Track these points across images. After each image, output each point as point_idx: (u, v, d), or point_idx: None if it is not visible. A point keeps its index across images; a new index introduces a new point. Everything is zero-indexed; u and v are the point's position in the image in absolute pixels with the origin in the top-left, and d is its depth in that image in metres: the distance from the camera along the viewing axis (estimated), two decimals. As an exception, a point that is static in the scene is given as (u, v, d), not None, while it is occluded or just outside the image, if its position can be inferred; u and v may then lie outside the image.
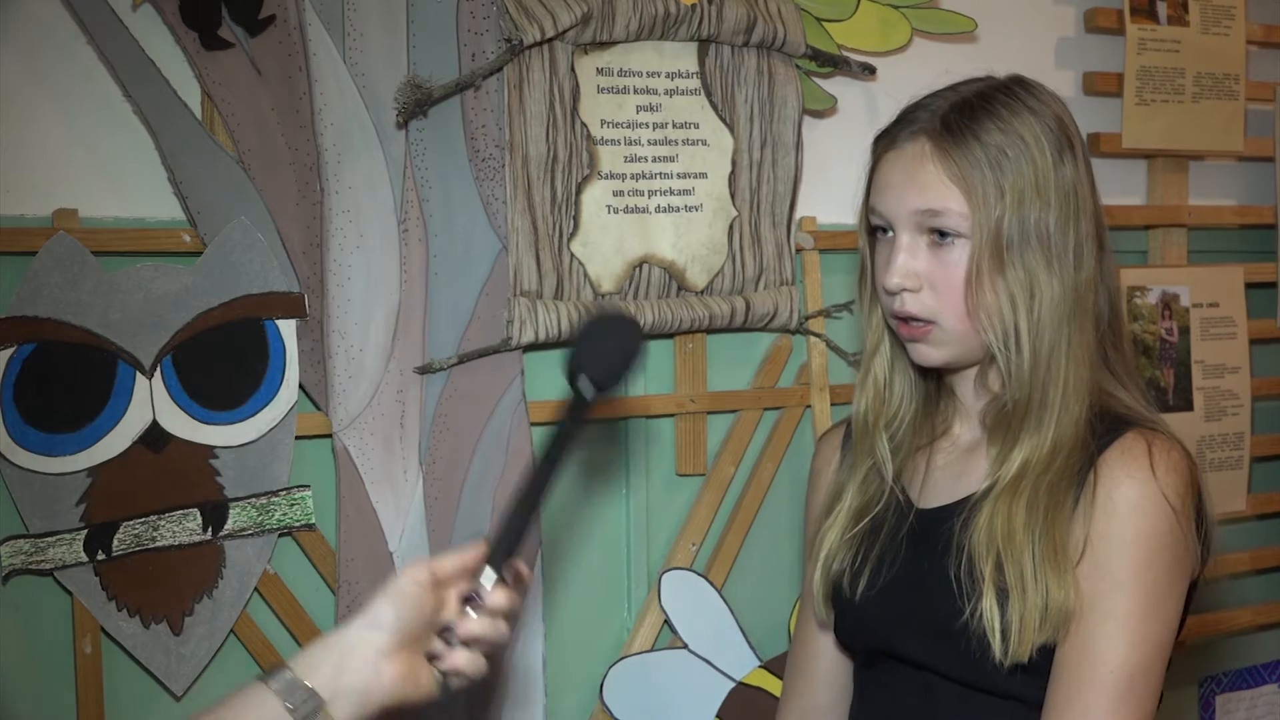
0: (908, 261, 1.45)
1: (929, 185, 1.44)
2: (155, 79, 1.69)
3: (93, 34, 1.66)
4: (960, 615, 1.41)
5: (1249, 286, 2.52)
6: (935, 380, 1.57)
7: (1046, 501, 1.41)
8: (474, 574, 1.23)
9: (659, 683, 1.98)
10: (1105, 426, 1.44)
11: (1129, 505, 1.39)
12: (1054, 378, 1.43)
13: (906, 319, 1.47)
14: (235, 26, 1.72)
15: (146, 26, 1.69)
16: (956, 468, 1.52)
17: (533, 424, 1.91)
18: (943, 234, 1.44)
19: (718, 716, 2.02)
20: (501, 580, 1.21)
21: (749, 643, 2.04)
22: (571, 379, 1.25)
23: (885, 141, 1.50)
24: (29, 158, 1.66)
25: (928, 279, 1.45)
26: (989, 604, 1.39)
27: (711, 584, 2.03)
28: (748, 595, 2.07)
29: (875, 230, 1.51)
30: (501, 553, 1.21)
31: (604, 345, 1.28)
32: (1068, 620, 1.38)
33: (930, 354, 1.48)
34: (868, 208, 1.52)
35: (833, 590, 1.55)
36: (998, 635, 1.38)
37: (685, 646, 2.00)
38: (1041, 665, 1.40)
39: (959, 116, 1.45)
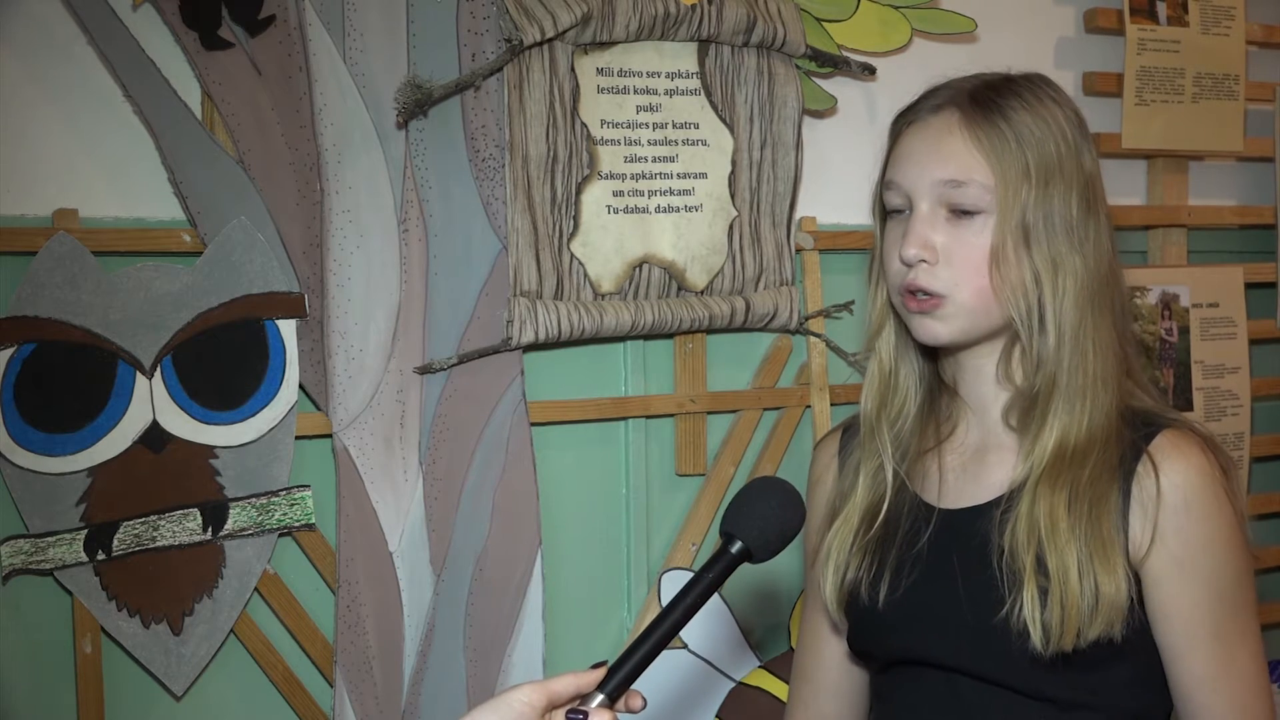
0: (926, 233, 1.42)
1: (954, 154, 1.42)
2: (155, 79, 1.69)
3: (93, 34, 1.66)
4: (999, 609, 1.39)
5: (1249, 286, 2.52)
6: (938, 380, 1.53)
7: (1090, 496, 1.39)
8: (587, 697, 1.20)
9: (659, 683, 1.98)
10: (1140, 420, 1.43)
11: (1201, 504, 1.39)
12: (1082, 361, 1.41)
13: (915, 292, 1.43)
14: (235, 26, 1.72)
15: (146, 26, 1.69)
16: (972, 469, 1.49)
17: (533, 424, 1.90)
18: (964, 211, 1.41)
19: (718, 716, 2.02)
20: (609, 704, 1.19)
21: (749, 643, 2.04)
22: (728, 536, 1.26)
23: (907, 117, 1.48)
24: (29, 158, 1.66)
25: (944, 253, 1.41)
26: (1030, 595, 1.37)
27: (711, 584, 2.03)
28: (748, 595, 2.07)
29: (889, 214, 1.47)
30: (619, 681, 1.19)
31: (765, 515, 1.28)
32: (1121, 613, 1.37)
33: (936, 329, 1.43)
34: (884, 184, 1.48)
35: (849, 599, 1.51)
36: (1039, 627, 1.36)
37: (685, 646, 2.00)
38: (1081, 662, 1.39)
39: (987, 92, 1.44)
